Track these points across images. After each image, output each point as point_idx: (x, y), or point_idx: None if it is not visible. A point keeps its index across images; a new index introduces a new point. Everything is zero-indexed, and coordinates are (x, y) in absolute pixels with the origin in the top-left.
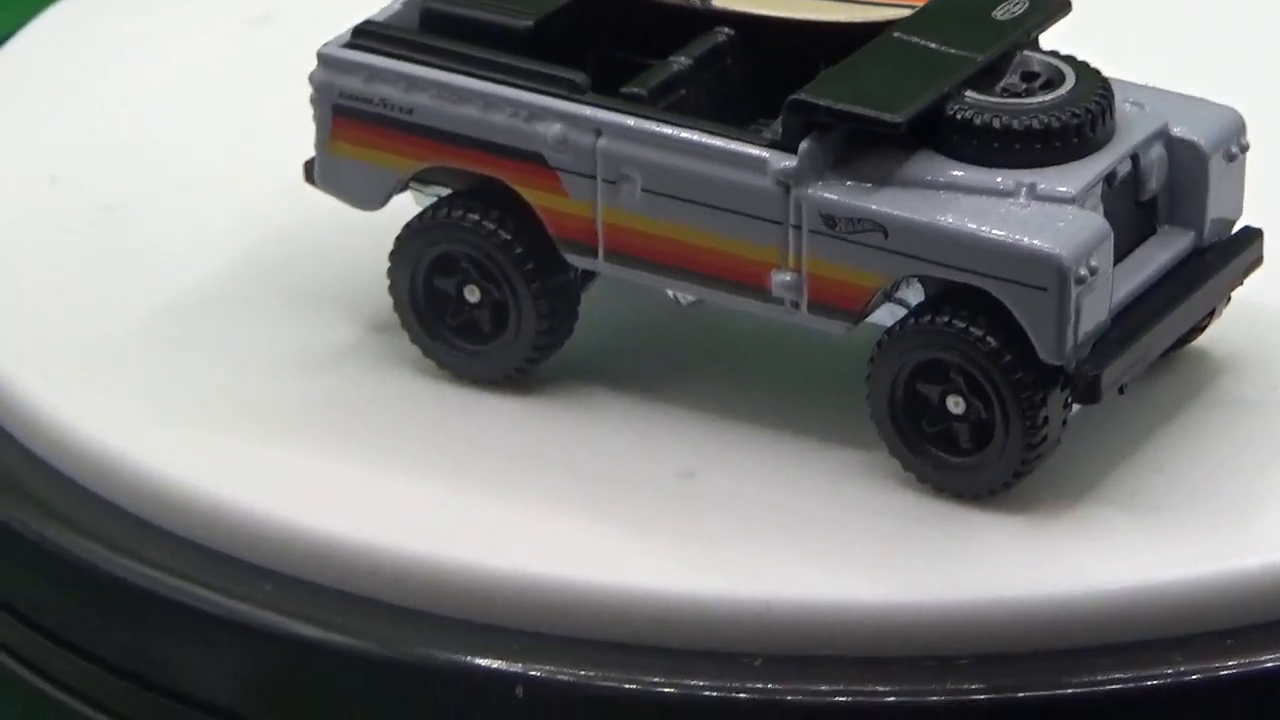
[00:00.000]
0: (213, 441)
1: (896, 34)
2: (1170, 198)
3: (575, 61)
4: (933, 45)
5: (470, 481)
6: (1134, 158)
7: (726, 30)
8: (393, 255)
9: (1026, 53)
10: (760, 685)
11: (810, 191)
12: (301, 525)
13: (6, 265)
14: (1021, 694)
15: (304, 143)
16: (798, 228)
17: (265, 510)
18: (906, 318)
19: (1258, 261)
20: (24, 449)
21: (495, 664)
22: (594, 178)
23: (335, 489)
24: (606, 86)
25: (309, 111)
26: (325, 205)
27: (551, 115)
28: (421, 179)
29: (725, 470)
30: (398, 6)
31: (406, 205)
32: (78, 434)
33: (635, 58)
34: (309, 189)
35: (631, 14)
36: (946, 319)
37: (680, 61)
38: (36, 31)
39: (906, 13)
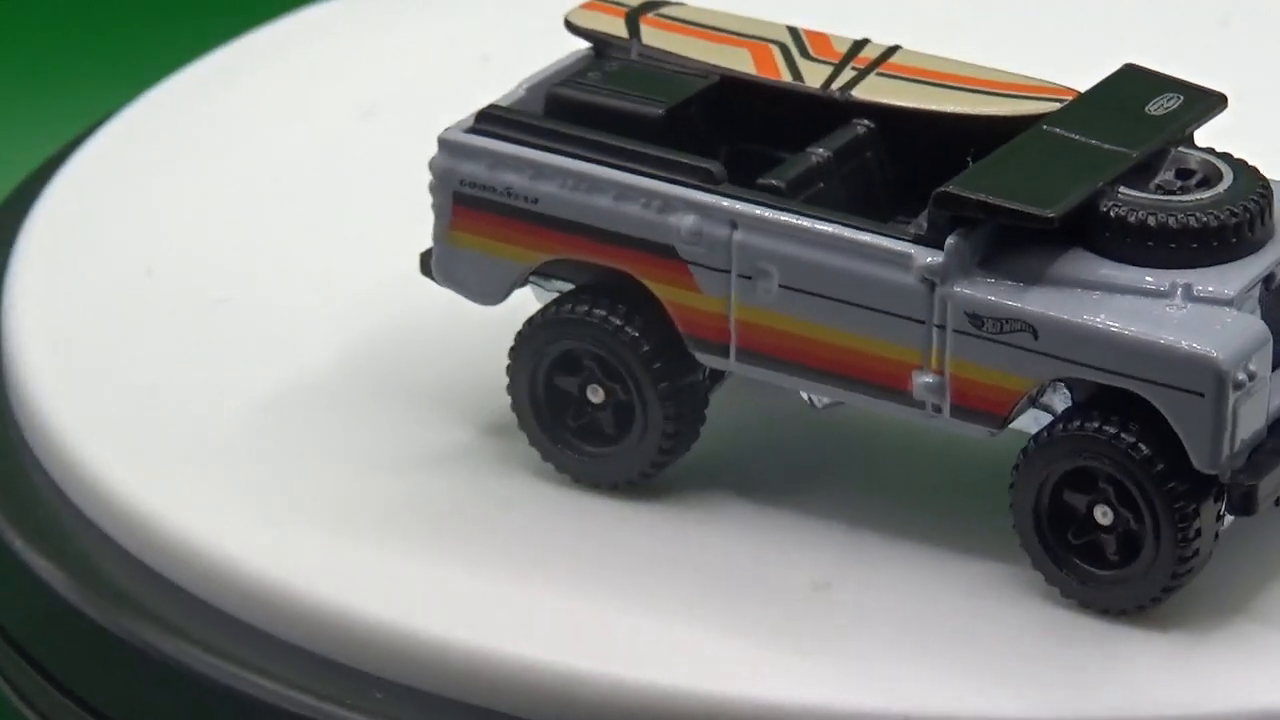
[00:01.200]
0: (321, 545)
1: (1046, 127)
2: None
3: (708, 152)
4: (1085, 140)
5: (592, 589)
6: None
7: (866, 122)
8: (512, 352)
9: (1182, 149)
10: None
11: (956, 289)
12: (413, 631)
13: (107, 362)
14: None
15: (416, 234)
16: (942, 327)
17: (375, 616)
18: (1054, 423)
19: None
20: (125, 552)
21: None
22: (728, 272)
23: (448, 595)
24: (741, 178)
25: (420, 203)
26: (441, 299)
27: (685, 206)
28: (544, 272)
29: (861, 581)
30: (521, 92)
31: (527, 301)
32: (181, 537)
33: (770, 150)
34: (423, 282)
35: (766, 104)
36: (1096, 425)
37: (818, 154)
38: (132, 117)
39: (1056, 106)
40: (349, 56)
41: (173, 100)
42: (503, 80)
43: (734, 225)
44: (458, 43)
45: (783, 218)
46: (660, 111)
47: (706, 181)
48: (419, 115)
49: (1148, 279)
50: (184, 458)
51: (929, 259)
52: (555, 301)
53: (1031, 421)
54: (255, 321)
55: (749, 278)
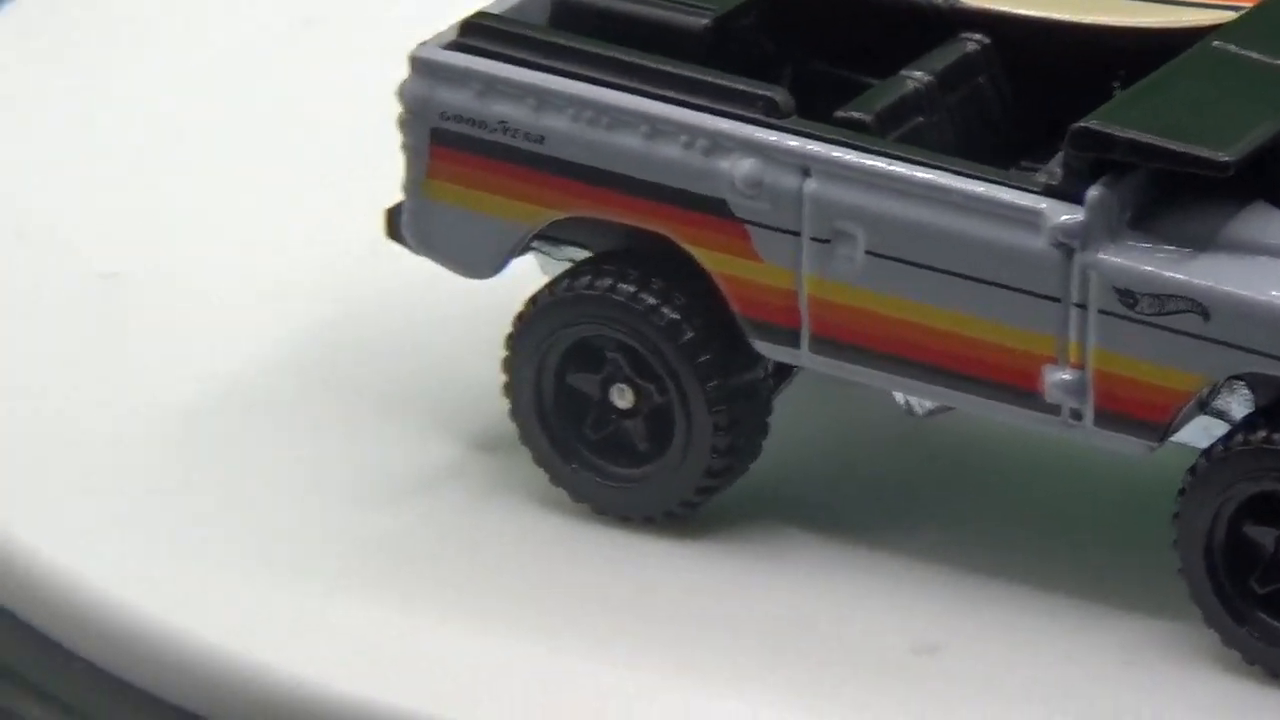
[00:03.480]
0: (253, 598)
1: (1218, 43)
2: None
3: (770, 76)
4: (1271, 60)
5: (621, 655)
6: None
7: (979, 37)
8: (511, 342)
9: None
10: None
11: (1101, 256)
12: (382, 709)
13: None
14: None
15: (380, 184)
16: (1082, 306)
17: (329, 688)
18: (1231, 434)
19: None
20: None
21: None
22: (798, 234)
23: (425, 662)
24: (814, 110)
25: (386, 142)
26: (415, 272)
27: (741, 146)
28: (553, 235)
29: (977, 644)
30: None
31: (531, 273)
32: (70, 590)
33: (852, 73)
34: (392, 249)
35: (847, 12)
36: None
37: (916, 78)
38: None
39: (1232, 15)
40: None
41: (39, 5)
42: None
43: (805, 172)
44: None
45: (870, 162)
46: (706, 21)
47: (769, 114)
48: (377, 23)
49: None
50: (70, 486)
51: (1064, 217)
52: (568, 274)
53: (1201, 433)
54: (160, 303)
55: (826, 241)
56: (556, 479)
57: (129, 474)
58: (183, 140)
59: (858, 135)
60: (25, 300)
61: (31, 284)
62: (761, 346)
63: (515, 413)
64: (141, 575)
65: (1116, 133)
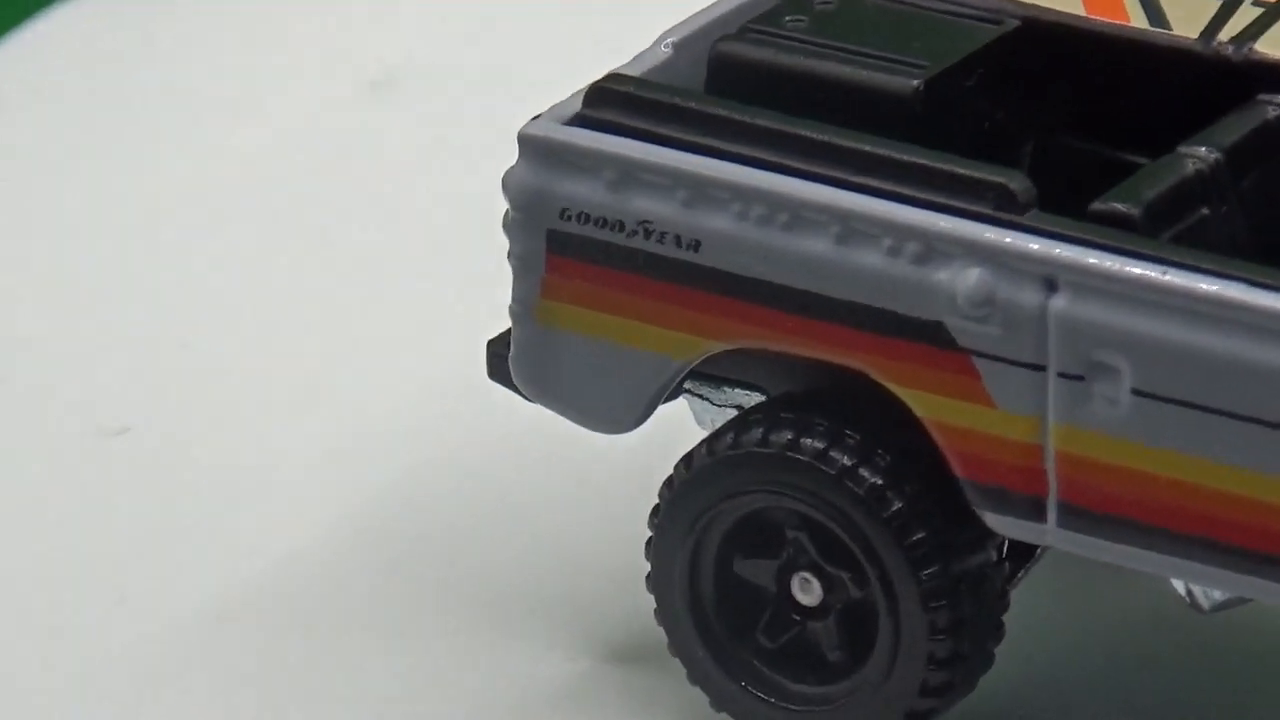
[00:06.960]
0: None
1: None
2: None
3: (1002, 155)
4: None
5: None
6: None
7: None
8: (656, 519)
9: None
10: None
11: None
12: None
13: None
14: None
15: (477, 307)
16: None
17: None
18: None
19: None
20: None
21: None
22: (1043, 369)
23: None
24: (1062, 201)
25: (486, 249)
26: (527, 424)
27: (965, 251)
28: (712, 373)
29: None
30: (664, 51)
31: (683, 424)
32: None
33: (1110, 149)
34: (494, 394)
35: (1103, 68)
36: None
37: (1199, 156)
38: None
39: None
40: None
41: (57, 41)
42: (619, 27)
43: (1051, 285)
44: None
45: (1137, 271)
46: (916, 82)
47: (1002, 208)
48: (469, 86)
49: None
50: (64, 699)
51: None
52: (732, 426)
53: None
54: (183, 469)
55: (1080, 378)
56: (719, 701)
57: (141, 689)
58: (210, 257)
59: (1121, 234)
60: (13, 460)
61: (15, 441)
62: (994, 521)
63: (663, 613)
64: None
65: None
